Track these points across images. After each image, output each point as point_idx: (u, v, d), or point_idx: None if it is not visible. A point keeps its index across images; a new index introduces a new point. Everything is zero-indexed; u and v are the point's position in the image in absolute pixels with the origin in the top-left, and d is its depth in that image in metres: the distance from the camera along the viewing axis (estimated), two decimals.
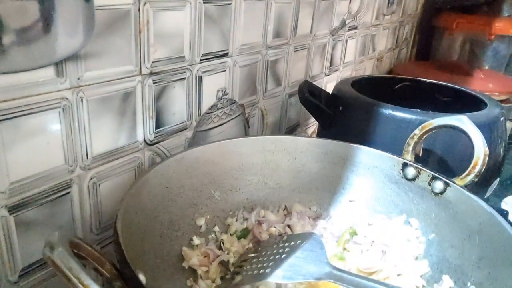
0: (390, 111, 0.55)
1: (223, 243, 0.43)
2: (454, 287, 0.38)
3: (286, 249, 0.39)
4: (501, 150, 0.58)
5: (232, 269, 0.40)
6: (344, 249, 0.44)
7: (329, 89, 0.71)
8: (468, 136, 0.43)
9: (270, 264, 0.37)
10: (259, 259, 0.39)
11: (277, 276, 0.35)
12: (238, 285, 0.37)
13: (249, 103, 0.63)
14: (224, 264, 0.41)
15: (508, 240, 0.34)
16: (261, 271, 0.37)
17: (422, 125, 0.47)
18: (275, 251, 0.39)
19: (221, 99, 0.56)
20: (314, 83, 0.71)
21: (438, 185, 0.42)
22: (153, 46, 0.43)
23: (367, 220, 0.47)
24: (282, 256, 0.38)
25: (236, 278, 0.38)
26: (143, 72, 0.43)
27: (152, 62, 0.43)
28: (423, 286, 0.40)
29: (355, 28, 0.93)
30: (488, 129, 0.53)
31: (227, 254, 0.42)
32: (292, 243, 0.39)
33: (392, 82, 0.76)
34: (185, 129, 0.51)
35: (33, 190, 0.36)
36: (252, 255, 0.40)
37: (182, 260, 0.41)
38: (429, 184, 0.43)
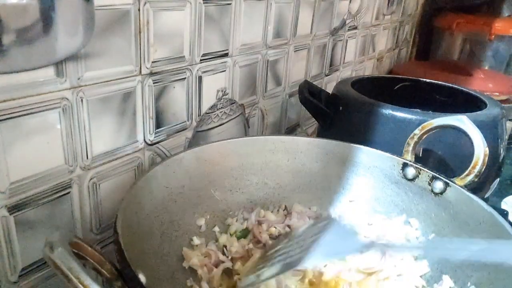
0: (390, 111, 0.55)
1: (225, 247, 0.43)
2: (454, 287, 0.38)
3: (312, 236, 0.36)
4: (501, 150, 0.58)
5: (236, 276, 0.39)
6: None
7: (329, 89, 0.71)
8: (468, 136, 0.43)
9: (301, 250, 0.35)
10: (286, 249, 0.37)
11: (316, 257, 0.33)
12: (277, 275, 0.35)
13: (249, 103, 0.63)
14: (226, 271, 0.40)
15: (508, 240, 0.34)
16: (295, 256, 0.34)
17: (422, 125, 0.46)
18: (299, 240, 0.37)
19: (221, 99, 0.56)
20: (314, 83, 0.71)
21: (438, 185, 0.42)
22: (153, 46, 0.43)
23: (367, 220, 0.47)
24: (311, 241, 0.35)
25: (268, 270, 0.35)
26: (143, 72, 0.43)
27: (152, 62, 0.43)
28: (423, 286, 0.40)
29: (355, 28, 0.93)
30: (488, 129, 0.53)
31: (229, 258, 0.41)
32: (316, 228, 0.37)
33: (392, 82, 0.76)
34: (185, 129, 0.51)
35: (33, 190, 0.36)
36: (278, 247, 0.38)
37: (182, 260, 0.40)
38: (429, 184, 0.43)
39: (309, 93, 0.63)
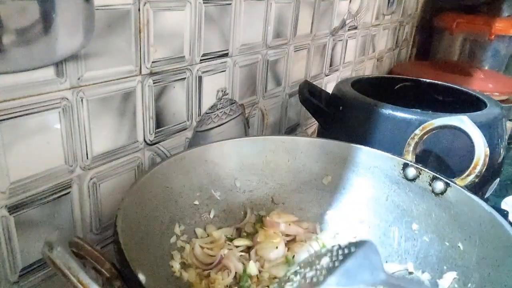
0: (390, 111, 0.55)
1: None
2: (455, 287, 0.38)
3: (340, 257, 0.39)
4: (501, 150, 0.58)
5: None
6: None
7: (329, 89, 0.71)
8: (469, 137, 0.43)
9: (323, 272, 0.37)
10: (313, 267, 0.39)
11: (331, 282, 0.35)
12: None
13: (249, 103, 0.63)
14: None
15: (508, 241, 0.34)
16: (314, 279, 0.37)
17: (423, 125, 0.46)
18: (328, 259, 0.39)
19: (221, 99, 0.56)
20: (314, 83, 0.71)
21: (439, 186, 0.42)
22: (153, 46, 0.43)
23: (367, 222, 0.47)
24: (336, 265, 0.38)
25: (290, 286, 0.37)
26: (143, 72, 0.43)
27: (152, 62, 0.43)
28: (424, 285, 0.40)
29: (355, 28, 0.93)
30: (488, 129, 0.53)
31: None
32: (347, 251, 0.39)
33: (392, 82, 0.76)
34: (185, 129, 0.51)
35: (33, 190, 0.36)
36: (306, 270, 0.40)
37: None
38: (430, 185, 0.43)
39: (309, 93, 0.63)
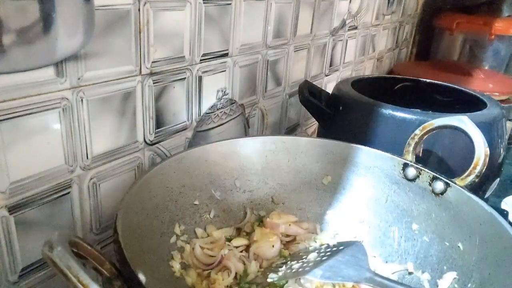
0: (390, 111, 0.55)
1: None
2: (455, 287, 0.38)
3: (328, 253, 0.39)
4: (501, 150, 0.58)
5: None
6: None
7: (329, 89, 0.71)
8: (469, 137, 0.43)
9: (310, 264, 0.37)
10: (300, 260, 0.39)
11: (315, 274, 0.35)
12: (278, 280, 0.37)
13: (249, 103, 0.63)
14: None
15: (508, 240, 0.34)
16: (300, 269, 0.37)
17: (423, 125, 0.46)
18: (316, 254, 0.40)
19: (221, 99, 0.56)
20: (314, 83, 0.71)
21: (439, 186, 0.42)
22: (153, 46, 0.43)
23: (367, 221, 0.47)
24: (323, 259, 0.38)
25: (275, 274, 0.38)
26: (143, 72, 0.43)
27: (152, 62, 0.43)
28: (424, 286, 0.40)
29: (355, 28, 0.93)
30: (488, 129, 0.53)
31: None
32: (335, 248, 0.40)
33: (392, 82, 0.76)
34: (185, 129, 0.51)
35: (33, 190, 0.36)
36: (293, 262, 0.41)
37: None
38: (430, 185, 0.43)
39: (309, 93, 0.63)
